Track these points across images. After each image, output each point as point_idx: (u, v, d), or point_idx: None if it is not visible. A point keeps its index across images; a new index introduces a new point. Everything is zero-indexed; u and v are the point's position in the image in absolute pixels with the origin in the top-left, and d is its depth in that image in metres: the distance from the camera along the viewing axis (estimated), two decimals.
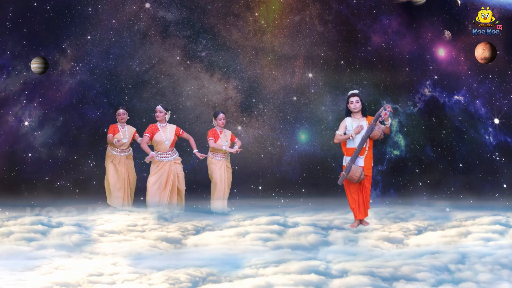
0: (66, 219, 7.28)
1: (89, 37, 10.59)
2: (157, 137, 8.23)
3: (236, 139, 8.80)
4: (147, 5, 10.78)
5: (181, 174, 8.40)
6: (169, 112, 8.43)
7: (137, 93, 10.71)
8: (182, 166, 8.48)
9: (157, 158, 8.24)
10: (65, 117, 10.51)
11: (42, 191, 10.08)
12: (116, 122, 8.68)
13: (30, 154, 10.38)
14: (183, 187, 8.40)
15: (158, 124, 8.31)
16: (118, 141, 8.39)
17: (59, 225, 6.98)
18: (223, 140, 8.54)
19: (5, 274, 4.87)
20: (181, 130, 8.45)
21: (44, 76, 10.32)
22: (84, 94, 10.58)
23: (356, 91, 7.22)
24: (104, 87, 10.64)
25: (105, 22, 10.63)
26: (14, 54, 10.33)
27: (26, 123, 10.39)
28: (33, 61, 9.99)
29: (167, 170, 8.24)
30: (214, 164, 8.57)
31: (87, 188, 10.17)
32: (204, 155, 8.47)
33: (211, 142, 8.50)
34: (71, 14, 10.53)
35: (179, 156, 8.50)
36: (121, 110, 8.65)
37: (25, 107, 10.41)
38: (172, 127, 8.37)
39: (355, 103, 7.12)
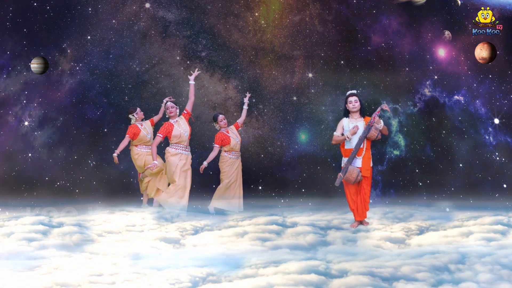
0: (66, 219, 7.29)
1: (89, 37, 10.59)
2: (175, 132, 8.23)
3: (240, 122, 8.88)
4: (147, 5, 10.78)
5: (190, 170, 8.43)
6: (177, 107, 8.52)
7: (137, 93, 10.71)
8: None
9: (180, 151, 8.24)
10: (65, 117, 10.51)
11: (42, 191, 10.08)
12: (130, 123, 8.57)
13: (30, 154, 10.38)
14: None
15: (170, 120, 8.35)
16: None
17: (60, 225, 6.98)
18: (234, 137, 8.58)
19: (6, 274, 4.87)
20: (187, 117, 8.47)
21: (44, 76, 10.32)
22: (84, 94, 10.58)
23: (354, 91, 7.24)
24: (104, 87, 10.64)
25: (105, 22, 10.63)
26: (14, 54, 10.34)
27: (26, 123, 10.39)
28: (33, 61, 9.99)
29: (188, 165, 8.27)
30: (228, 163, 8.55)
31: (87, 188, 10.16)
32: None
33: (226, 147, 8.49)
34: (71, 14, 10.53)
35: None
36: (139, 108, 8.64)
37: (25, 107, 10.41)
38: (182, 118, 8.41)
39: (353, 103, 7.13)
